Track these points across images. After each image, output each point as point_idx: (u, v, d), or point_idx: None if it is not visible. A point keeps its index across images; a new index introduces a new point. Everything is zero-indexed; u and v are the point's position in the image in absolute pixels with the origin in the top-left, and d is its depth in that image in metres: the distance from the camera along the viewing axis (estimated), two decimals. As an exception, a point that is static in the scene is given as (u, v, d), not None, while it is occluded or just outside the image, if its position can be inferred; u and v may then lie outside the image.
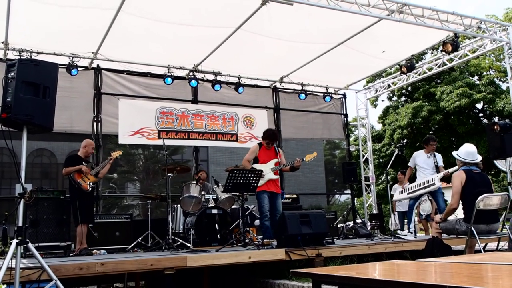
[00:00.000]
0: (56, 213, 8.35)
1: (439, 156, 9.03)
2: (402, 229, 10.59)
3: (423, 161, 9.01)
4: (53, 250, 8.04)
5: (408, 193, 8.84)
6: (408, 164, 9.43)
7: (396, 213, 10.72)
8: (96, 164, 8.82)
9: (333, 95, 13.49)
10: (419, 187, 8.70)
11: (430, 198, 9.78)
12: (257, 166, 7.53)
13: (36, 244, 7.49)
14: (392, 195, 10.47)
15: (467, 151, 5.89)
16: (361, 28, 9.84)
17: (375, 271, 2.84)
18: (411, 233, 8.85)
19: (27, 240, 4.45)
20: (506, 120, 9.64)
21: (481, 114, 25.17)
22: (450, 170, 8.19)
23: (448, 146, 22.17)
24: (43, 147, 26.04)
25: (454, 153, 6.04)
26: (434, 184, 8.45)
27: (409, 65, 11.44)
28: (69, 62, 9.84)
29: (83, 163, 7.95)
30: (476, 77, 25.06)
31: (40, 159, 26.33)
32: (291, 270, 2.74)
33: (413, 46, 11.22)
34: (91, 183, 7.87)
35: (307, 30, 9.74)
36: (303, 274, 2.71)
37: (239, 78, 11.65)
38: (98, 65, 10.49)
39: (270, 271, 6.61)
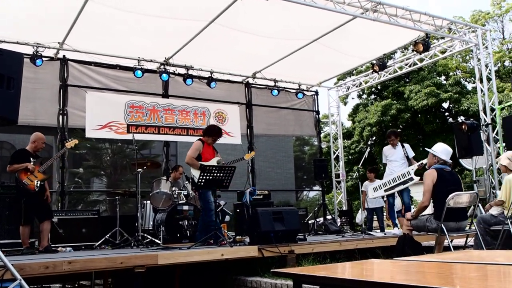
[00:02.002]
0: (18, 209, 8.02)
1: (407, 146, 9.04)
2: (371, 226, 10.66)
3: (392, 154, 9.05)
4: (15, 247, 7.74)
5: (385, 190, 8.82)
6: (383, 161, 9.48)
7: (364, 209, 10.79)
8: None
9: (305, 92, 13.48)
10: (395, 183, 8.63)
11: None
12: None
13: (-2, 241, 7.27)
14: (363, 192, 10.53)
15: (445, 150, 5.95)
16: (335, 26, 9.85)
17: (356, 271, 2.80)
18: (399, 228, 8.86)
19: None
20: (473, 120, 9.83)
21: (447, 113, 25.70)
22: (424, 161, 8.17)
23: (415, 144, 22.53)
24: (4, 140, 25.27)
25: (429, 150, 6.08)
26: (412, 178, 8.38)
27: (381, 63, 11.52)
28: (33, 52, 9.43)
29: (31, 159, 7.39)
30: (443, 77, 25.57)
31: (0, 152, 25.57)
32: (272, 270, 2.66)
33: (385, 45, 11.30)
34: (38, 182, 7.30)
35: (281, 26, 9.69)
36: (284, 274, 2.64)
37: (211, 73, 11.50)
38: (64, 56, 10.13)
39: (242, 268, 6.53)
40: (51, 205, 8.26)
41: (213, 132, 7.69)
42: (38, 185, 7.30)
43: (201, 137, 7.81)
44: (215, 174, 6.89)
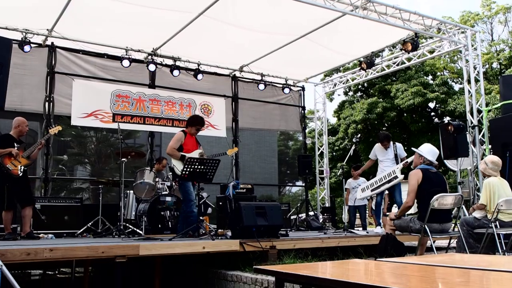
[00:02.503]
0: (1, 194, 7.94)
1: (399, 147, 8.99)
2: (353, 224, 10.72)
3: (382, 154, 9.05)
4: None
5: (371, 190, 8.85)
6: (369, 156, 9.47)
7: (347, 206, 10.85)
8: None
9: (292, 87, 13.50)
10: (381, 182, 8.66)
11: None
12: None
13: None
14: (346, 189, 10.58)
15: (432, 151, 5.93)
16: (324, 22, 9.87)
17: (339, 271, 2.82)
18: (382, 228, 8.88)
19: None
20: (459, 121, 9.89)
21: (433, 113, 25.87)
22: (409, 160, 8.22)
23: (400, 143, 22.70)
24: (-11, 124, 24.98)
25: (415, 150, 6.10)
26: (396, 177, 8.41)
27: (369, 61, 11.55)
28: (22, 38, 9.40)
29: (15, 144, 7.33)
30: (430, 77, 25.73)
31: (-15, 137, 25.24)
32: (254, 267, 2.67)
33: (374, 43, 11.33)
34: (22, 167, 7.25)
35: (270, 20, 9.68)
36: (267, 271, 2.65)
37: (198, 65, 11.48)
38: (52, 43, 10.07)
39: (224, 261, 6.55)
40: (33, 191, 8.18)
41: (195, 121, 7.61)
42: (22, 170, 7.25)
43: (184, 128, 7.74)
44: (198, 167, 6.87)
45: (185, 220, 7.19)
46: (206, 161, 6.96)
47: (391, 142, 9.04)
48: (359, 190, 9.31)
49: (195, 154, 7.39)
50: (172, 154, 7.33)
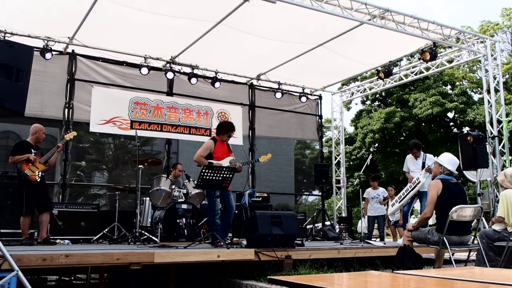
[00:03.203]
0: (20, 199, 8.03)
1: (429, 157, 8.88)
2: (371, 234, 10.63)
3: (412, 164, 9.03)
4: (15, 237, 7.76)
5: (399, 202, 8.79)
6: (403, 169, 9.44)
7: (366, 217, 10.75)
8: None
9: (309, 96, 13.47)
10: (407, 192, 8.62)
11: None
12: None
13: (-2, 231, 7.30)
14: (365, 198, 10.52)
15: (452, 160, 5.86)
16: (342, 31, 9.84)
17: (355, 283, 2.78)
18: None
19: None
20: (479, 131, 9.76)
21: (452, 123, 25.60)
22: (431, 164, 8.22)
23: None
24: (10, 129, 25.34)
25: (435, 159, 6.02)
26: (420, 181, 8.38)
27: (387, 70, 11.48)
28: (43, 46, 9.57)
29: (32, 150, 7.41)
30: (449, 87, 25.48)
31: (6, 142, 25.63)
32: (268, 277, 2.65)
33: (392, 52, 11.27)
34: (39, 173, 7.33)
35: (288, 29, 9.69)
36: (281, 282, 2.62)
37: (216, 73, 11.53)
38: (73, 50, 10.24)
39: (238, 270, 6.52)
40: (51, 197, 8.24)
41: (225, 128, 7.53)
42: (40, 176, 7.34)
43: (214, 136, 7.72)
44: (214, 175, 6.86)
45: (211, 228, 7.20)
46: (221, 169, 6.94)
47: (421, 152, 9.00)
48: (390, 207, 9.26)
49: (226, 161, 7.38)
50: (199, 161, 7.30)
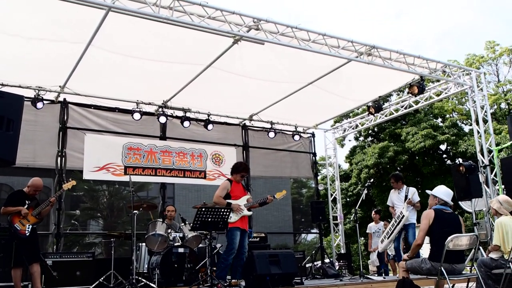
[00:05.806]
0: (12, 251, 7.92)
1: (412, 191, 8.92)
2: (381, 267, 10.62)
3: (396, 198, 9.08)
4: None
5: (388, 238, 8.80)
6: (388, 204, 9.49)
7: (376, 251, 10.74)
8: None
9: (302, 134, 13.55)
10: (393, 227, 8.65)
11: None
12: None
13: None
14: (368, 234, 10.51)
15: (446, 191, 5.97)
16: (330, 69, 9.98)
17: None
18: None
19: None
20: (470, 161, 9.82)
21: (444, 155, 25.77)
22: (414, 198, 8.60)
23: (413, 186, 22.54)
24: (2, 182, 25.16)
25: (429, 192, 6.09)
26: (403, 215, 8.44)
27: (377, 106, 11.61)
28: (34, 95, 9.61)
29: (27, 201, 7.37)
30: (439, 119, 25.79)
31: (-1, 194, 25.40)
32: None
33: (380, 88, 11.43)
34: (29, 226, 7.26)
35: (277, 69, 9.83)
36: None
37: (208, 115, 11.62)
38: (64, 99, 10.29)
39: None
40: (46, 247, 8.12)
41: (239, 168, 7.76)
42: (29, 229, 7.26)
43: (229, 177, 7.90)
44: (209, 216, 6.83)
45: (218, 263, 7.35)
46: (217, 210, 6.93)
47: (404, 185, 9.04)
48: (379, 243, 9.27)
49: (243, 200, 7.53)
50: (218, 202, 7.43)
